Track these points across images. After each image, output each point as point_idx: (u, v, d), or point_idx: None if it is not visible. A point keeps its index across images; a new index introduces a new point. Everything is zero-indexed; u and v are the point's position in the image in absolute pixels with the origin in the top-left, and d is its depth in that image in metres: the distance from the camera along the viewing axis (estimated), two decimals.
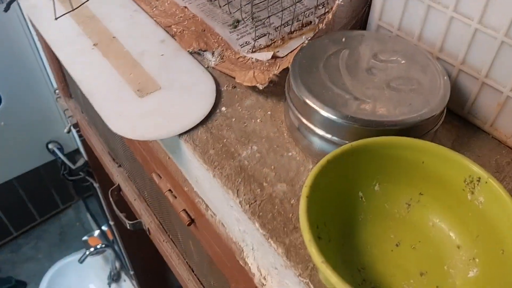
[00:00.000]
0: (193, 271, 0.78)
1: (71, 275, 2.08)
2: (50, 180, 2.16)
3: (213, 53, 0.53)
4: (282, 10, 0.56)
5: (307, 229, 0.29)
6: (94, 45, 0.55)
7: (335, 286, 0.27)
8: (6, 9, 0.63)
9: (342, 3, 0.46)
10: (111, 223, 1.54)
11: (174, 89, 0.49)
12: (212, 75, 0.50)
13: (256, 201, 0.40)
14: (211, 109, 0.47)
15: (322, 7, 0.58)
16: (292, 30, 0.55)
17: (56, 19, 0.45)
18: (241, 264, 0.46)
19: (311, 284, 0.34)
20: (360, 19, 0.51)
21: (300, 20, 0.56)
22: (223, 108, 0.48)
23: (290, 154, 0.43)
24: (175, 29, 0.56)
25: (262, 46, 0.54)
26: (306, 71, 0.41)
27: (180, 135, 0.45)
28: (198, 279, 0.77)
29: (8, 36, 1.06)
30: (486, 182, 0.32)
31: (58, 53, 0.54)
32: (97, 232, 2.10)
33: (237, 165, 0.42)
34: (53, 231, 2.45)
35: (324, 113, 0.38)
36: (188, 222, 0.54)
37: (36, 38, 1.06)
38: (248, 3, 0.58)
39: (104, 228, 2.07)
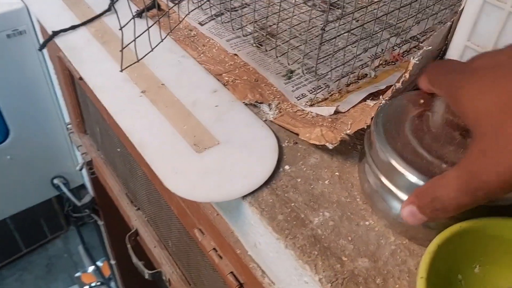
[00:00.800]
0: None
1: None
2: (39, 208, 2.08)
3: (269, 106, 0.50)
4: (342, 65, 0.53)
5: None
6: (142, 92, 0.51)
7: None
8: (41, 48, 0.60)
9: (417, 62, 0.44)
10: (113, 262, 1.47)
11: (233, 144, 0.46)
12: (272, 130, 0.47)
13: (337, 279, 0.36)
14: (275, 168, 0.44)
15: (377, 59, 0.56)
16: (349, 82, 0.53)
17: (121, 71, 0.42)
18: None
19: None
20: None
21: (355, 72, 0.54)
22: (287, 167, 0.44)
23: (367, 223, 0.40)
24: (226, 78, 0.54)
25: (320, 99, 0.51)
26: (391, 133, 0.38)
27: (244, 197, 0.42)
28: None
29: (21, 67, 1.02)
30: None
31: (104, 100, 0.51)
32: (91, 268, 2.02)
33: (310, 234, 0.39)
34: (40, 263, 2.35)
35: (416, 179, 0.35)
36: (236, 286, 0.50)
37: (51, 70, 1.03)
38: (302, 49, 0.55)
39: (99, 263, 1.99)
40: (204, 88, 0.52)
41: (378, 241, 0.38)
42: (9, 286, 2.28)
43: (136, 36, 0.41)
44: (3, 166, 1.12)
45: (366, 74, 0.55)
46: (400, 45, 0.59)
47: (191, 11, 0.61)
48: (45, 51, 0.99)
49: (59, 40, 0.59)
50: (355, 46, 0.56)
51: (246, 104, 0.50)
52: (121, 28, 0.41)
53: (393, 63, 0.56)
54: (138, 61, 0.43)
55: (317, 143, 0.45)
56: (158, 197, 0.71)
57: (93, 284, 1.86)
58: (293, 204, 0.41)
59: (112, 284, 1.89)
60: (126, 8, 0.49)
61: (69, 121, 1.09)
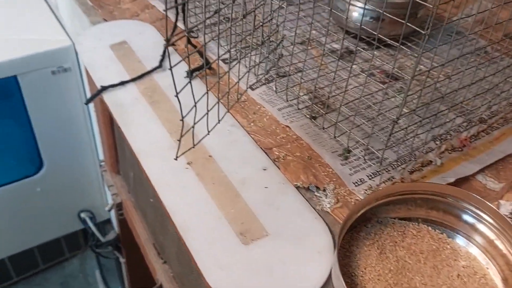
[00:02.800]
0: None
1: None
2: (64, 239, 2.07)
3: (324, 190, 0.46)
4: (405, 142, 0.49)
5: None
6: (188, 163, 0.48)
7: None
8: (88, 102, 0.58)
9: None
10: None
11: (283, 238, 0.42)
12: (328, 225, 0.43)
13: None
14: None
15: (441, 142, 0.52)
16: (412, 170, 0.49)
17: (176, 159, 0.39)
18: None
19: None
20: None
21: (416, 158, 0.50)
22: None
23: None
24: (277, 153, 0.50)
25: (381, 188, 0.47)
26: None
27: None
28: None
29: (62, 103, 1.02)
30: None
31: (147, 168, 0.48)
32: None
33: None
34: (55, 281, 2.33)
35: None
36: None
37: (91, 108, 1.02)
38: (359, 125, 0.51)
39: None
40: (254, 164, 0.48)
41: None
42: None
43: (196, 122, 0.38)
44: (33, 197, 1.11)
45: (431, 161, 0.50)
46: (467, 126, 0.54)
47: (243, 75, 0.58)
48: (87, 88, 0.98)
49: (106, 96, 0.57)
50: (419, 128, 0.52)
51: (298, 187, 0.47)
52: (176, 95, 0.38)
53: (460, 150, 0.52)
54: (194, 146, 0.40)
55: None
56: (189, 260, 0.67)
57: None
58: None
59: None
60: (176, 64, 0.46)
61: (103, 158, 1.07)
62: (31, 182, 1.07)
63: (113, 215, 1.19)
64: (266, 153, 0.50)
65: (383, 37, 0.39)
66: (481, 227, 0.37)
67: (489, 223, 0.36)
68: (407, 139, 0.50)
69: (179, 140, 0.36)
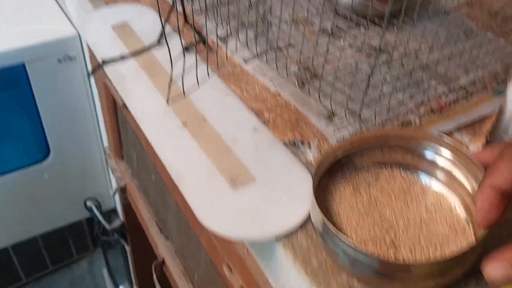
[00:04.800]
0: None
1: None
2: (68, 229, 2.11)
3: (309, 146, 0.50)
4: (388, 109, 0.53)
5: None
6: (183, 124, 0.52)
7: None
8: (91, 74, 0.62)
9: None
10: None
11: (270, 184, 0.45)
12: (310, 172, 0.47)
13: None
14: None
15: (422, 106, 0.55)
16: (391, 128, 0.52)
17: (167, 102, 0.42)
18: None
19: None
20: None
21: (399, 119, 0.53)
22: None
23: None
24: (267, 115, 0.54)
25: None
26: None
27: (278, 238, 0.41)
28: None
29: (67, 91, 1.06)
30: None
31: (145, 129, 0.52)
32: None
33: (345, 283, 0.37)
34: (64, 282, 2.36)
35: None
36: None
37: (96, 96, 1.07)
38: (344, 91, 0.55)
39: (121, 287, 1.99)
40: (245, 125, 0.52)
41: None
42: None
43: (184, 68, 0.41)
44: (40, 185, 1.15)
45: (410, 122, 0.54)
46: (447, 94, 0.58)
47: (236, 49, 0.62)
48: (92, 77, 1.03)
49: (108, 69, 0.61)
50: (399, 90, 0.55)
51: (285, 144, 0.50)
52: (171, 61, 0.42)
53: (439, 113, 0.55)
54: (184, 96, 0.44)
55: None
56: (188, 228, 0.71)
57: None
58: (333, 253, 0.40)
59: None
60: (174, 43, 0.50)
61: (107, 145, 1.11)
62: (39, 169, 1.11)
63: (118, 202, 1.23)
64: (257, 116, 0.54)
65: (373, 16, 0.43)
66: (442, 162, 0.40)
67: (449, 158, 0.40)
68: (389, 102, 0.54)
69: (169, 86, 0.40)
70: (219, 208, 0.43)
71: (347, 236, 0.36)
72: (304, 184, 0.45)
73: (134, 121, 0.56)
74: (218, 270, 0.62)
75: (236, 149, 0.49)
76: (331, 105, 0.53)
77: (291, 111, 0.55)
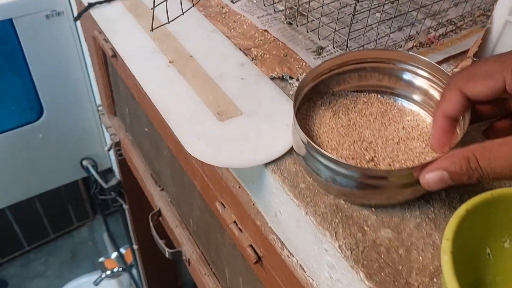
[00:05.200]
0: None
1: None
2: (67, 196, 2.14)
3: (298, 79, 0.50)
4: (374, 41, 0.52)
5: None
6: (170, 62, 0.52)
7: None
8: (77, 18, 0.61)
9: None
10: (135, 246, 1.49)
11: (257, 115, 0.45)
12: None
13: (358, 247, 0.35)
14: None
15: (410, 41, 0.55)
16: None
17: (152, 30, 0.42)
18: None
19: None
20: None
21: None
22: None
23: None
24: (255, 52, 0.53)
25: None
26: None
27: (267, 164, 0.41)
28: None
29: (57, 48, 1.05)
30: None
31: (133, 69, 0.52)
32: (114, 255, 2.05)
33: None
34: (65, 249, 2.41)
35: None
36: (255, 260, 0.49)
37: (86, 52, 1.05)
38: (333, 27, 0.55)
39: (122, 250, 2.02)
40: (232, 61, 0.52)
41: (403, 214, 0.37)
42: (34, 270, 2.35)
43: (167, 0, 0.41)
44: (36, 145, 1.15)
45: None
46: (436, 28, 0.57)
47: None
48: (80, 32, 1.01)
49: (94, 12, 0.61)
50: (388, 26, 0.55)
51: (273, 78, 0.50)
52: None
53: (428, 46, 0.55)
54: (168, 22, 0.44)
55: None
56: (182, 174, 0.71)
57: (115, 270, 1.89)
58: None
59: (134, 271, 1.92)
60: None
61: (100, 103, 1.11)
62: (33, 128, 1.11)
63: (113, 161, 1.24)
64: (245, 53, 0.54)
65: None
66: (418, 82, 0.40)
67: (426, 77, 0.40)
68: (377, 35, 0.53)
69: (153, 11, 0.39)
70: (206, 139, 0.43)
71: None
72: (290, 114, 0.45)
73: (123, 68, 0.56)
74: (211, 212, 0.64)
75: (223, 84, 0.49)
76: (319, 38, 0.53)
77: (279, 47, 0.54)
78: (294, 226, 0.41)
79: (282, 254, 0.45)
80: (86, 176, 1.31)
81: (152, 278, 1.69)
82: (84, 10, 0.60)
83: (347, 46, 0.49)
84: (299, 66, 0.51)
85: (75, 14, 1.01)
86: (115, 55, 0.75)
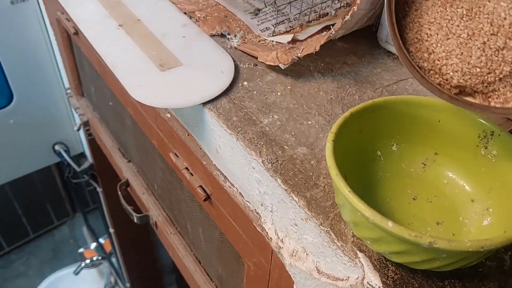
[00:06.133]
0: (200, 263, 0.78)
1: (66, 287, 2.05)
2: (45, 194, 2.16)
3: (235, 36, 0.56)
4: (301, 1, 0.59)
5: (334, 166, 0.31)
6: (119, 26, 0.57)
7: (362, 213, 0.29)
8: None
9: None
10: (112, 230, 1.53)
11: (195, 65, 0.51)
12: (231, 56, 0.53)
13: (278, 161, 0.41)
14: (233, 84, 0.49)
15: (338, 1, 0.62)
16: (310, 19, 0.58)
17: None
18: (258, 231, 0.47)
19: (332, 233, 0.36)
20: (376, 10, 0.55)
21: (317, 12, 0.60)
22: (245, 83, 0.50)
23: (309, 122, 0.45)
24: (198, 15, 0.59)
25: (282, 32, 0.56)
26: None
27: (204, 104, 0.47)
28: (205, 270, 0.77)
29: (24, 34, 1.09)
30: (499, 135, 0.34)
31: (85, 32, 0.57)
32: (93, 245, 2.09)
33: (259, 130, 0.44)
34: (46, 248, 2.43)
35: None
36: (204, 197, 0.55)
37: (52, 37, 1.10)
38: None
39: (101, 240, 2.06)
40: (176, 23, 0.58)
41: (317, 135, 0.44)
42: (15, 270, 2.36)
43: None
44: (7, 130, 1.18)
45: (327, 13, 0.60)
46: None
47: None
48: (45, 16, 1.06)
49: None
50: None
51: (213, 36, 0.56)
52: None
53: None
54: None
55: (272, 64, 0.50)
56: (144, 141, 0.77)
57: (94, 259, 1.93)
58: (247, 110, 0.47)
59: (114, 259, 1.96)
60: None
61: (68, 86, 1.15)
62: (3, 114, 1.15)
63: (85, 145, 1.28)
64: (189, 16, 0.60)
65: None
66: None
67: None
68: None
69: None
70: (148, 86, 0.49)
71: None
72: (225, 63, 0.51)
73: (85, 44, 0.61)
74: (172, 171, 0.69)
75: (166, 42, 0.55)
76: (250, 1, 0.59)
77: (220, 10, 0.60)
78: (230, 155, 0.47)
79: (225, 186, 0.51)
80: (59, 161, 1.35)
81: (131, 263, 1.73)
82: None
83: (275, 3, 0.56)
84: (237, 25, 0.58)
85: (40, 1, 1.05)
86: (76, 32, 0.80)
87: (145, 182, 0.90)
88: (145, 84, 0.49)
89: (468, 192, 0.36)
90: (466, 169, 0.37)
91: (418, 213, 0.36)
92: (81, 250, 2.11)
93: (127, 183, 0.93)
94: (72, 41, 0.94)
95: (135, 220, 0.87)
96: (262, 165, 0.41)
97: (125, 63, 0.51)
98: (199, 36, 0.55)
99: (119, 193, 0.91)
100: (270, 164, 0.41)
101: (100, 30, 0.57)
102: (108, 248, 2.01)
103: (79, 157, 1.40)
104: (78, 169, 1.30)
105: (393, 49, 0.55)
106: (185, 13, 0.60)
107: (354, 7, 0.51)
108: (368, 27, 0.57)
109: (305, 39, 0.55)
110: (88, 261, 1.94)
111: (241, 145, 0.44)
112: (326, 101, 0.48)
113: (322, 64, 0.53)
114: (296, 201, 0.38)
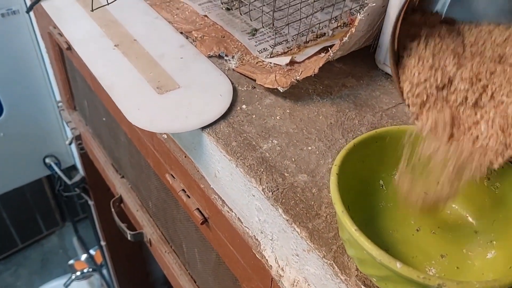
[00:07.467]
0: (195, 282, 0.77)
1: None
2: (35, 203, 2.13)
3: (233, 57, 0.55)
4: (299, 19, 0.59)
5: (339, 201, 0.31)
6: (115, 46, 0.57)
7: (368, 252, 0.28)
8: (29, 10, 0.65)
9: (363, 18, 0.49)
10: (103, 243, 1.51)
11: (193, 88, 0.51)
12: (229, 78, 0.52)
13: (278, 189, 0.41)
14: (232, 107, 0.48)
15: (335, 21, 0.61)
16: (308, 40, 0.58)
17: (92, 10, 0.47)
18: (257, 258, 0.46)
19: (335, 266, 0.35)
20: (374, 32, 0.55)
21: (314, 32, 0.59)
22: (244, 106, 0.49)
23: (309, 148, 0.45)
24: (195, 35, 0.59)
25: (280, 53, 0.56)
26: None
27: (203, 128, 0.47)
28: None
29: (15, 46, 1.07)
30: (502, 167, 0.34)
31: (80, 52, 0.56)
32: (84, 257, 2.06)
33: (259, 156, 0.44)
34: (35, 258, 2.39)
35: None
36: (201, 221, 0.54)
37: (43, 50, 1.08)
38: (266, 11, 0.60)
39: (92, 252, 2.03)
40: (173, 43, 0.57)
41: (318, 162, 0.43)
42: (4, 281, 2.32)
43: None
44: None
45: (325, 33, 0.60)
46: (359, 9, 0.64)
47: None
48: (37, 30, 1.04)
49: (45, 4, 0.65)
50: (311, 7, 0.61)
51: (211, 57, 0.55)
52: None
53: (351, 26, 0.61)
54: (108, 4, 0.48)
55: (271, 86, 0.50)
56: (138, 158, 0.76)
57: (85, 271, 1.90)
58: (246, 134, 0.46)
59: (104, 271, 1.93)
60: None
61: (59, 99, 1.14)
62: None
63: (76, 157, 1.26)
64: (186, 36, 0.59)
65: None
66: None
67: None
68: (306, 21, 0.59)
69: None
70: (146, 109, 0.48)
71: None
72: (223, 85, 0.50)
73: (78, 59, 0.60)
74: (167, 190, 0.68)
75: (163, 63, 0.54)
76: (250, 20, 0.58)
77: (218, 30, 0.60)
78: (229, 180, 0.46)
79: (223, 211, 0.50)
80: (50, 174, 1.33)
81: (122, 276, 1.71)
82: (35, 2, 0.64)
83: (273, 24, 0.55)
84: (235, 46, 0.57)
85: (31, 13, 1.04)
86: (69, 47, 0.79)
87: (139, 199, 0.88)
88: (142, 107, 0.48)
89: (471, 224, 0.36)
90: (469, 200, 0.36)
91: (422, 245, 0.35)
92: (71, 261, 2.08)
93: (120, 199, 0.92)
94: (64, 55, 0.93)
95: (129, 238, 0.86)
96: (263, 193, 0.41)
97: (122, 85, 0.51)
98: (196, 57, 0.55)
99: (112, 210, 0.89)
100: (271, 193, 0.40)
101: (95, 50, 0.56)
102: (99, 259, 1.98)
103: (70, 170, 1.38)
104: (69, 182, 1.28)
105: (390, 71, 0.55)
106: (181, 32, 0.60)
107: (352, 29, 0.51)
108: (366, 48, 0.57)
109: (303, 61, 0.55)
110: (78, 273, 1.91)
111: (241, 172, 0.43)
112: (326, 126, 0.47)
113: (321, 87, 0.53)
114: (298, 232, 0.38)
